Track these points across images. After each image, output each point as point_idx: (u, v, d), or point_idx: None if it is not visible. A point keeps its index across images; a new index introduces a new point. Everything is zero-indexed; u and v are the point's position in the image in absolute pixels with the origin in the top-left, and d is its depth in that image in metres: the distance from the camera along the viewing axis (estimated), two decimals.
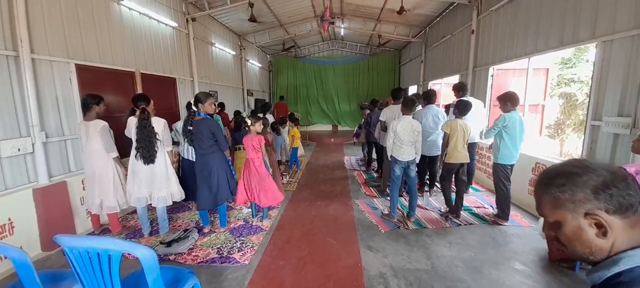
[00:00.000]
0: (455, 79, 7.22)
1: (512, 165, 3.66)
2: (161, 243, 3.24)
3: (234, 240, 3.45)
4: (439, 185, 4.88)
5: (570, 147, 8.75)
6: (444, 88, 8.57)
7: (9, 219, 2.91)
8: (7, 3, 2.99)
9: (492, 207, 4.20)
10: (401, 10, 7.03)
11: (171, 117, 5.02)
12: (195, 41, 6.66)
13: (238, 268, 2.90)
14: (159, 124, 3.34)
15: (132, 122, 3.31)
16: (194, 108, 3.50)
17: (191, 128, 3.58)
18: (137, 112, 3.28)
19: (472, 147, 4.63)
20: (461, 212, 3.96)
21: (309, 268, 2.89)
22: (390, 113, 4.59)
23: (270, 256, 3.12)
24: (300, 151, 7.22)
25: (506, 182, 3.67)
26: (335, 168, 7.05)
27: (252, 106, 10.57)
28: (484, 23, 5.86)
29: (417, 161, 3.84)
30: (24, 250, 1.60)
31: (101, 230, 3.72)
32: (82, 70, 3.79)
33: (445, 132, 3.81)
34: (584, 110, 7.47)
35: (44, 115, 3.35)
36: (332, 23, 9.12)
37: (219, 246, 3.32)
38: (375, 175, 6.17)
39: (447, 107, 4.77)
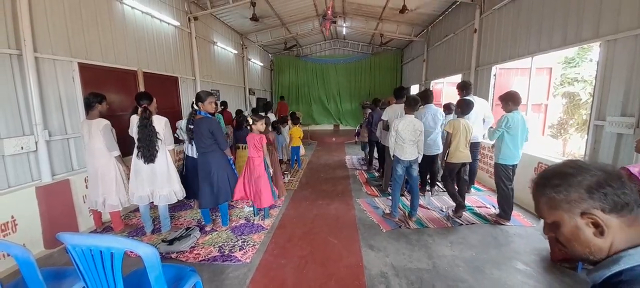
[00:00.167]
0: (457, 78, 7.20)
1: (513, 166, 3.63)
2: (163, 241, 3.25)
3: (235, 238, 3.46)
4: (440, 185, 4.89)
5: (573, 146, 8.72)
6: (446, 87, 8.55)
7: (12, 217, 2.93)
8: (11, 2, 3.01)
9: (494, 206, 4.18)
10: (403, 9, 7.01)
11: (173, 116, 5.04)
12: (197, 40, 6.67)
13: (239, 267, 2.90)
14: (160, 122, 3.35)
15: (134, 121, 3.32)
16: (195, 107, 3.51)
17: (192, 127, 3.59)
18: (140, 110, 3.29)
19: (475, 147, 4.62)
20: (463, 212, 3.95)
21: (310, 267, 2.90)
22: (393, 112, 4.59)
23: (271, 255, 3.13)
24: (302, 150, 7.22)
25: (507, 182, 3.65)
26: (336, 167, 7.05)
27: (254, 105, 10.58)
28: (487, 22, 5.83)
29: (420, 160, 3.84)
30: (27, 248, 1.62)
31: (103, 228, 3.74)
32: (84, 69, 3.81)
33: (447, 132, 3.80)
34: (587, 109, 7.45)
35: (47, 114, 3.37)
36: (335, 22, 9.11)
37: (220, 244, 3.33)
38: (376, 174, 6.16)
39: (446, 107, 4.76)
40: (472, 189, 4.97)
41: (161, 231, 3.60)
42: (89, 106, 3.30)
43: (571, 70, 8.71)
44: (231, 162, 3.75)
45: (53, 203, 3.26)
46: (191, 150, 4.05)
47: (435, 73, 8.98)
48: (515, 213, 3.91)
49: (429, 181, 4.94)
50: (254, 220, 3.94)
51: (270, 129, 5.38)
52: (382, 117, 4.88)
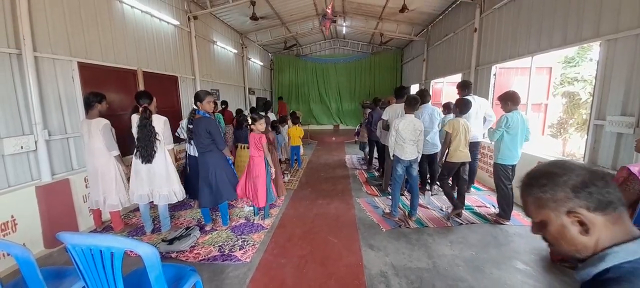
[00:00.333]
0: (457, 77, 7.20)
1: (513, 166, 3.63)
2: (163, 240, 3.25)
3: (235, 238, 3.46)
4: (437, 184, 4.89)
5: (573, 146, 8.71)
6: (446, 87, 8.54)
7: (12, 216, 2.93)
8: (10, 1, 3.00)
9: (493, 206, 4.18)
10: (403, 9, 7.01)
11: (173, 116, 5.04)
12: (197, 39, 6.66)
13: (239, 266, 2.91)
14: (159, 121, 3.34)
15: (135, 120, 3.32)
16: (194, 106, 3.51)
17: (191, 126, 3.59)
18: (140, 109, 3.29)
19: (474, 146, 4.62)
20: (463, 211, 3.96)
21: (310, 266, 2.90)
22: (393, 112, 4.59)
23: (271, 254, 3.13)
24: (301, 150, 7.22)
25: (506, 182, 3.65)
26: (336, 167, 7.05)
27: (254, 104, 10.57)
28: (487, 21, 5.82)
29: (419, 160, 3.84)
30: (27, 247, 1.62)
31: (103, 227, 3.74)
32: (84, 68, 3.80)
33: (447, 132, 3.80)
34: (587, 109, 7.44)
35: (47, 113, 3.37)
36: (334, 21, 9.10)
37: (220, 244, 3.33)
38: (376, 174, 6.16)
39: (446, 106, 4.77)
40: (472, 189, 4.97)
41: (161, 230, 3.60)
42: (88, 105, 3.29)
43: (571, 69, 8.70)
44: (230, 162, 3.75)
45: (53, 202, 3.25)
46: (193, 150, 4.05)
47: (435, 72, 8.97)
48: (515, 212, 3.91)
49: (429, 181, 4.95)
50: (254, 219, 3.95)
51: (270, 128, 5.38)
52: (382, 117, 4.88)
